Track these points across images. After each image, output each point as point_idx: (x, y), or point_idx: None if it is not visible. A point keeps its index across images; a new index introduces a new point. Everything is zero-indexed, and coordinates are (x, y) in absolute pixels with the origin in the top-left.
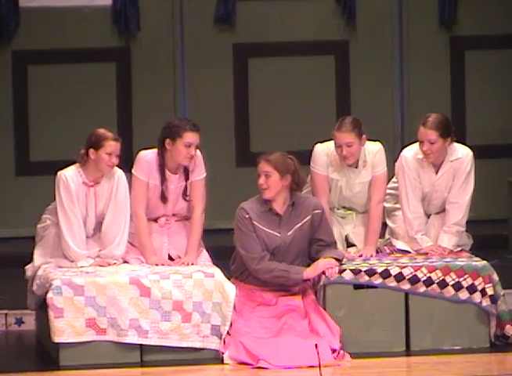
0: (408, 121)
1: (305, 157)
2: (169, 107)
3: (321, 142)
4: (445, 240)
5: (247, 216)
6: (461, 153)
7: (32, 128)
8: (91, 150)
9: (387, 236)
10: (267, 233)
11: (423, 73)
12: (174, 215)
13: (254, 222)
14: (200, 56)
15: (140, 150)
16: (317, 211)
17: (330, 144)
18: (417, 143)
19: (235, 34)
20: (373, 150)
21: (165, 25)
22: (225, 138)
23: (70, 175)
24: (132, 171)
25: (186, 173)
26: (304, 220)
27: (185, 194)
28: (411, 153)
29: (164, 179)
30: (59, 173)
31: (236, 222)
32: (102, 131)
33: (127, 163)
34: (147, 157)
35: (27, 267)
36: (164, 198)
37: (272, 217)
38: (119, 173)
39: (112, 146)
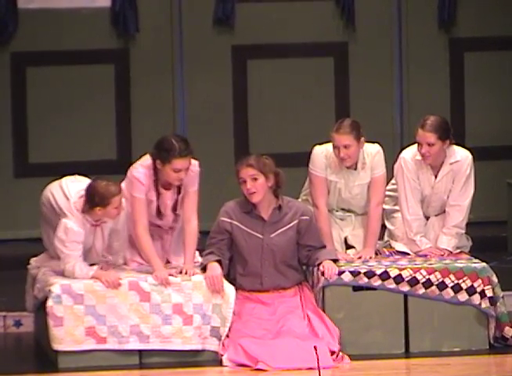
0: (407, 122)
1: (304, 159)
2: (168, 109)
3: (320, 144)
4: (445, 241)
5: (227, 220)
6: (460, 156)
7: (31, 129)
8: (98, 208)
9: (386, 238)
10: (249, 235)
11: (422, 74)
12: (171, 228)
13: (236, 223)
14: (199, 58)
15: (140, 155)
16: (304, 218)
17: (329, 146)
18: (416, 145)
19: (234, 36)
20: (372, 152)
21: (164, 27)
22: (223, 139)
23: (76, 223)
24: (129, 191)
25: (179, 187)
26: (290, 225)
27: (174, 208)
28: (410, 154)
29: (158, 195)
30: (64, 222)
31: (216, 221)
32: (103, 187)
33: (126, 165)
34: (139, 174)
35: (33, 260)
36: (159, 214)
37: (256, 219)
38: (122, 216)
39: (118, 200)
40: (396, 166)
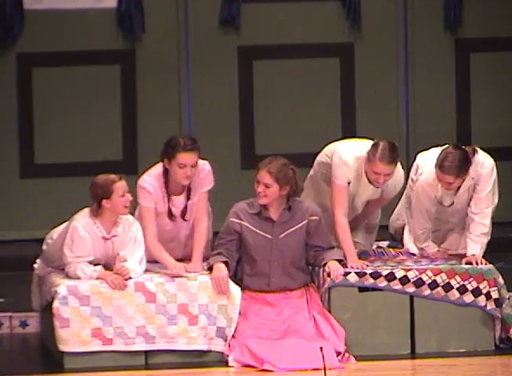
0: (413, 123)
1: (310, 159)
2: (174, 109)
3: (323, 146)
4: (474, 247)
5: (237, 221)
6: (482, 167)
7: (37, 130)
8: (105, 201)
9: (402, 221)
10: (258, 235)
11: (428, 75)
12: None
13: (246, 224)
14: (205, 59)
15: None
16: (314, 218)
17: (354, 158)
18: (434, 167)
19: (239, 37)
20: (396, 176)
21: (170, 27)
22: (229, 140)
23: (85, 228)
24: (138, 201)
25: (188, 193)
26: (299, 225)
27: (183, 214)
28: (426, 178)
29: (169, 199)
30: (72, 226)
31: (226, 222)
32: (103, 178)
33: (131, 166)
34: (146, 184)
35: (36, 265)
36: (171, 216)
37: (265, 220)
38: (135, 225)
39: (121, 186)
40: (414, 187)
